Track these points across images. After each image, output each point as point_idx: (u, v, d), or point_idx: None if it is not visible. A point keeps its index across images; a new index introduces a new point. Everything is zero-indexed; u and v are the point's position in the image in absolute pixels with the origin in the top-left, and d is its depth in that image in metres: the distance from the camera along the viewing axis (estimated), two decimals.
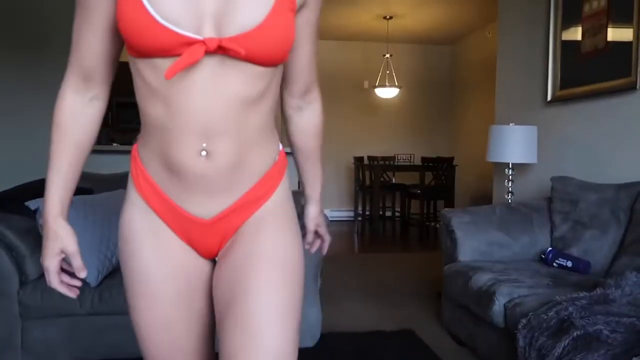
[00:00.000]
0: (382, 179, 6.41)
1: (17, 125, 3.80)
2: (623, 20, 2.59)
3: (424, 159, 6.13)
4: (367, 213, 6.64)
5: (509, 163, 3.16)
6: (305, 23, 0.94)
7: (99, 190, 2.59)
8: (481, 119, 6.63)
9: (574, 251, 2.44)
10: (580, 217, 2.48)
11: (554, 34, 3.13)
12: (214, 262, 1.02)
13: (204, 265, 1.00)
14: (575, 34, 2.96)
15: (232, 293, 0.89)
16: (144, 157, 0.93)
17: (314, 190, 1.19)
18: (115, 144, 4.55)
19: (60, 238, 0.92)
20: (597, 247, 2.36)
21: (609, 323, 1.50)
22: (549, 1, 3.19)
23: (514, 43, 3.67)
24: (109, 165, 3.77)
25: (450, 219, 2.67)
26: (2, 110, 3.80)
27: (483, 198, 6.28)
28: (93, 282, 2.15)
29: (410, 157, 7.27)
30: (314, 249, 1.26)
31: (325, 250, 1.28)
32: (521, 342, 1.71)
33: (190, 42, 0.78)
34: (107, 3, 0.85)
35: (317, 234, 1.24)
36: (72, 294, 0.96)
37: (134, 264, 0.95)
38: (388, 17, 6.21)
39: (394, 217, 6.80)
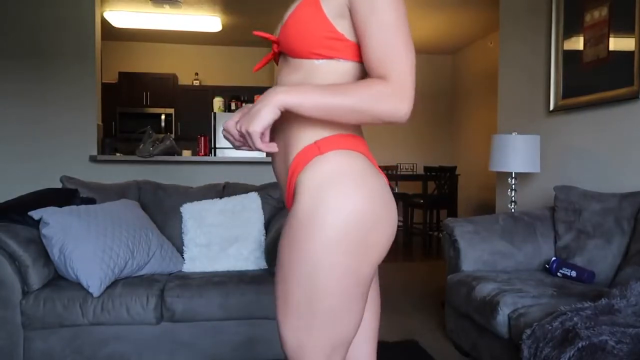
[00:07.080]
0: None
1: (20, 135, 3.81)
2: (625, 29, 2.60)
3: (426, 169, 6.13)
4: None
5: (511, 172, 3.16)
6: (355, 22, 0.97)
7: (101, 200, 2.59)
8: (483, 128, 6.64)
9: (578, 261, 2.42)
10: (584, 227, 2.47)
11: (555, 44, 3.14)
12: None
13: None
14: (577, 43, 2.96)
15: None
16: None
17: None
18: (118, 154, 4.56)
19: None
20: (601, 256, 2.35)
21: (614, 333, 1.49)
22: (550, 11, 3.20)
23: (515, 52, 3.68)
24: (112, 175, 3.78)
25: (453, 228, 2.66)
26: (3, 120, 3.82)
27: (486, 207, 6.27)
28: (96, 292, 2.14)
29: (413, 166, 7.27)
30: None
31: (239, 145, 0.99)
32: (525, 353, 1.70)
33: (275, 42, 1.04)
34: None
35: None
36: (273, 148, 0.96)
37: None
38: None
39: (397, 226, 6.78)
